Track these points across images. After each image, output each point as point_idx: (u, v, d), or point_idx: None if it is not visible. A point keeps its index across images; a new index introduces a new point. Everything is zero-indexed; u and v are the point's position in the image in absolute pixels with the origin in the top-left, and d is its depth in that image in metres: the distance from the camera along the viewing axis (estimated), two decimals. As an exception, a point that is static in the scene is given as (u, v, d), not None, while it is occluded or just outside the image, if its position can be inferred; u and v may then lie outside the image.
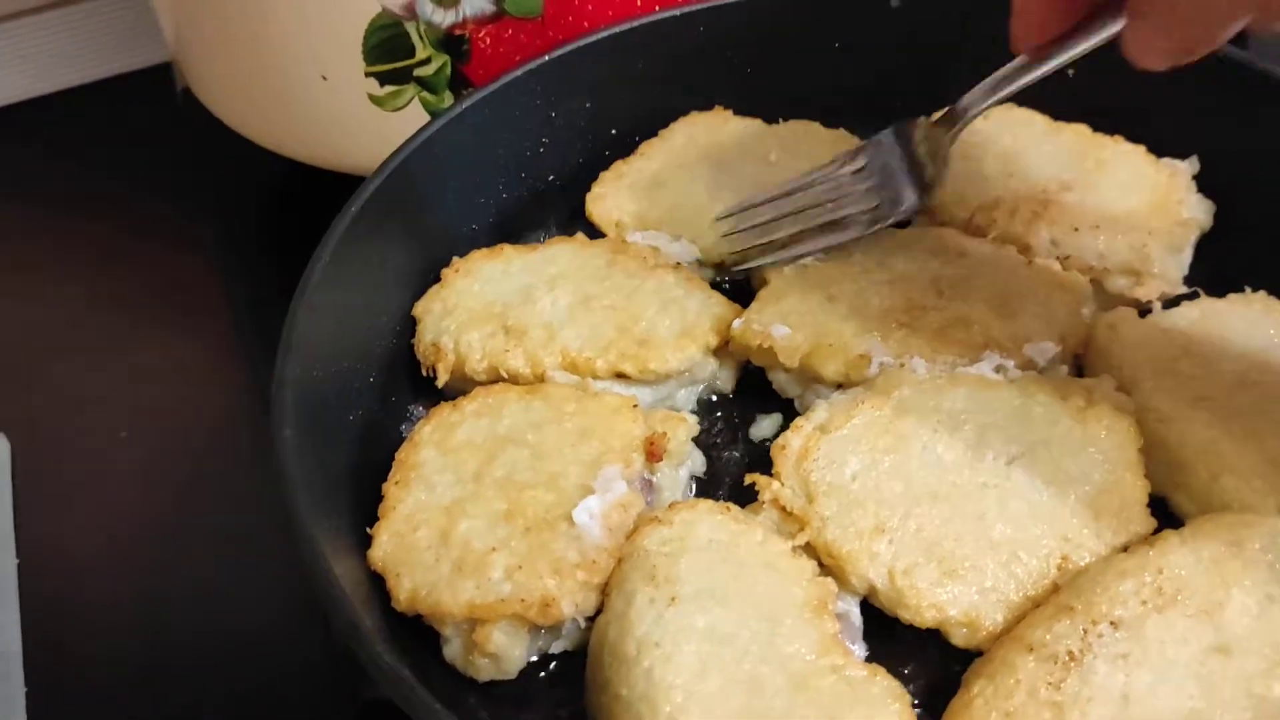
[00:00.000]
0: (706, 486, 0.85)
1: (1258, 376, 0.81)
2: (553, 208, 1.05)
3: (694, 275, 0.93)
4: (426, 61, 0.99)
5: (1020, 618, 0.71)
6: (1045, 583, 0.72)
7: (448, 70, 1.00)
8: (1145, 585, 0.68)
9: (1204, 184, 0.96)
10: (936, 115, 0.89)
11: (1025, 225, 0.92)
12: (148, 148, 1.36)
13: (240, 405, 1.09)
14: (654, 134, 1.05)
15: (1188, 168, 0.97)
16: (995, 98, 0.83)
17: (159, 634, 0.90)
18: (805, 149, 1.02)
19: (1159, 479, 0.78)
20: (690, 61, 1.04)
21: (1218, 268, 0.93)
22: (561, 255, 0.94)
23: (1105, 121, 1.00)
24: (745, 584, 0.71)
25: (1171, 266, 0.91)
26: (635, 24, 1.00)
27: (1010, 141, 0.99)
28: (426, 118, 1.02)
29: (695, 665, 0.66)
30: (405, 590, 0.73)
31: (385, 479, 0.80)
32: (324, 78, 1.01)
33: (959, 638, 0.71)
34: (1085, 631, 0.67)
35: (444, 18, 0.96)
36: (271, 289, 0.81)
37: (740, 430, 0.89)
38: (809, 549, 0.75)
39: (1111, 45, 0.72)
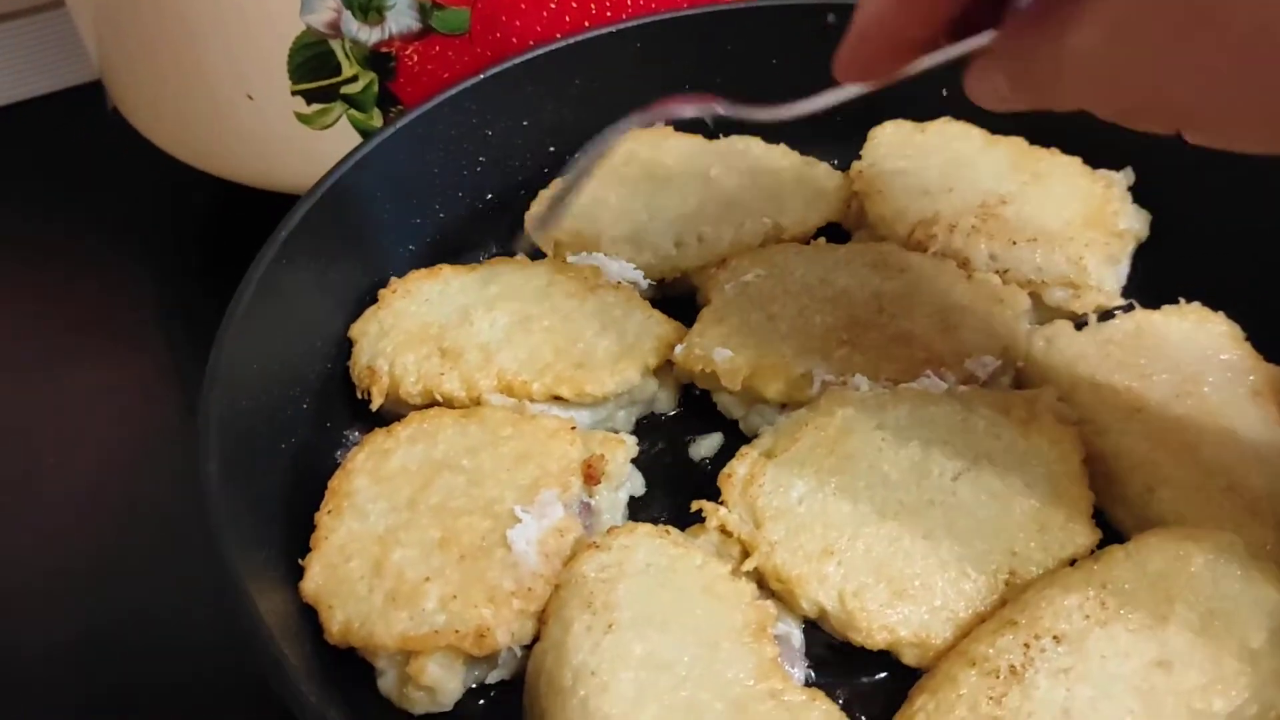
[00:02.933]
0: (646, 508, 0.84)
1: (1192, 388, 0.81)
2: (493, 227, 1.03)
3: (635, 294, 0.91)
4: (353, 79, 0.97)
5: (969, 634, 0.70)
6: (994, 598, 0.71)
7: (375, 88, 0.98)
8: (1089, 600, 0.68)
9: (1139, 195, 0.97)
10: None
11: (964, 240, 0.92)
12: (78, 168, 1.32)
13: (175, 430, 1.05)
14: (594, 151, 1.03)
15: (1123, 179, 0.97)
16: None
17: (95, 670, 0.86)
18: (745, 165, 1.01)
19: (1096, 492, 0.78)
20: (627, 78, 1.02)
21: (1153, 278, 0.94)
22: (501, 275, 0.92)
23: (1041, 133, 1.00)
24: (684, 609, 0.70)
25: (1109, 278, 0.91)
26: (569, 42, 0.98)
27: (948, 155, 0.99)
28: (355, 135, 1.01)
29: (632, 693, 0.64)
30: (338, 623, 0.71)
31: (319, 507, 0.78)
32: (250, 97, 0.99)
33: (910, 657, 0.71)
34: (1028, 646, 0.66)
35: (369, 35, 0.95)
36: (208, 311, 0.79)
37: (680, 451, 0.87)
38: (756, 574, 0.74)
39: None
